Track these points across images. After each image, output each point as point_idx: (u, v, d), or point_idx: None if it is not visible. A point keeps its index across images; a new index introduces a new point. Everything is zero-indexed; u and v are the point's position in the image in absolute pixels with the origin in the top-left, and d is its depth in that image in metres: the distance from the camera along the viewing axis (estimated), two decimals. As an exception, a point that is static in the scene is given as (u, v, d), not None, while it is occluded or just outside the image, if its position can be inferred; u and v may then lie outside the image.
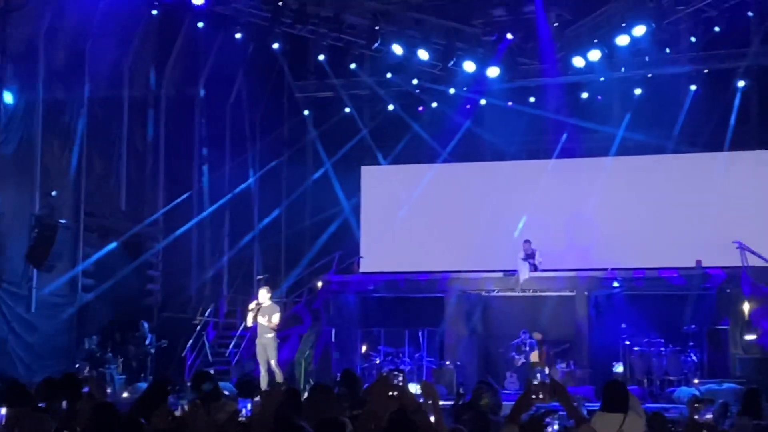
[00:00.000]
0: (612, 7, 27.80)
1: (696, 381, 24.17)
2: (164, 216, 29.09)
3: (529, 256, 27.66)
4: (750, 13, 28.10)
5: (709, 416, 6.17)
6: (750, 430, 11.57)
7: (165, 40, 29.30)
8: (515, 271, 27.63)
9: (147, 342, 25.84)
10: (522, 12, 28.02)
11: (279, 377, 21.68)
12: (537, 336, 26.63)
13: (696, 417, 6.13)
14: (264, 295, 22.02)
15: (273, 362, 21.71)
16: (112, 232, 27.14)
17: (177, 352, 26.82)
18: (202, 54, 30.26)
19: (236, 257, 31.60)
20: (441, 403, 7.59)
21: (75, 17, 25.65)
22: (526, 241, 27.78)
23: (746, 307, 25.34)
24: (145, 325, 26.26)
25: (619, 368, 25.10)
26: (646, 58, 28.75)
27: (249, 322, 22.22)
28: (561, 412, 7.72)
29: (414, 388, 14.62)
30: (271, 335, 21.73)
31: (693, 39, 28.75)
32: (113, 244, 26.86)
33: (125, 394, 21.91)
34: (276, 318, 21.71)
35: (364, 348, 28.28)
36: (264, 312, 21.68)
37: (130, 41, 28.00)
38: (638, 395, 12.03)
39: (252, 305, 22.02)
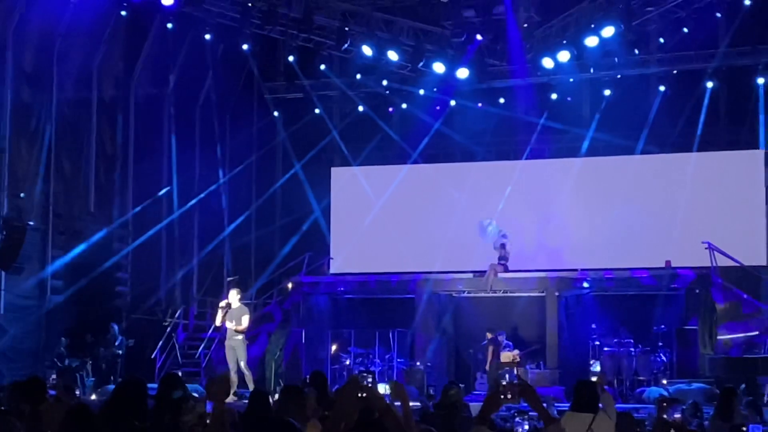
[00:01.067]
0: (581, 9, 27.88)
1: (665, 381, 24.25)
2: (133, 217, 28.96)
3: (502, 257, 27.76)
4: (718, 15, 28.25)
5: (677, 416, 6.18)
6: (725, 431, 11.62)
7: (134, 40, 29.16)
8: (485, 271, 27.70)
9: (117, 343, 25.73)
10: (491, 13, 28.05)
11: (249, 379, 21.57)
12: (488, 335, 26.61)
13: (664, 416, 6.15)
14: (234, 296, 21.89)
15: (243, 363, 21.57)
16: (81, 233, 26.98)
17: (146, 354, 26.71)
18: (171, 55, 30.14)
19: (206, 259, 31.50)
20: (411, 403, 7.57)
21: (43, 18, 25.48)
22: (502, 241, 27.94)
23: (715, 308, 25.41)
24: (115, 327, 26.14)
25: (596, 367, 25.16)
26: (615, 59, 28.88)
27: (218, 321, 22.09)
28: (531, 413, 7.71)
29: (383, 388, 14.62)
30: (240, 337, 21.61)
31: (662, 40, 28.90)
32: (82, 246, 26.70)
33: (93, 396, 21.81)
34: (245, 320, 21.59)
35: (334, 349, 28.24)
36: (232, 315, 21.55)
37: (99, 42, 27.85)
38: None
39: (222, 303, 21.90)
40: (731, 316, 25.28)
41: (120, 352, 25.72)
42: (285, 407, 9.33)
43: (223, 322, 21.71)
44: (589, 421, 9.52)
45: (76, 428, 7.58)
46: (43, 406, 9.87)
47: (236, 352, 21.55)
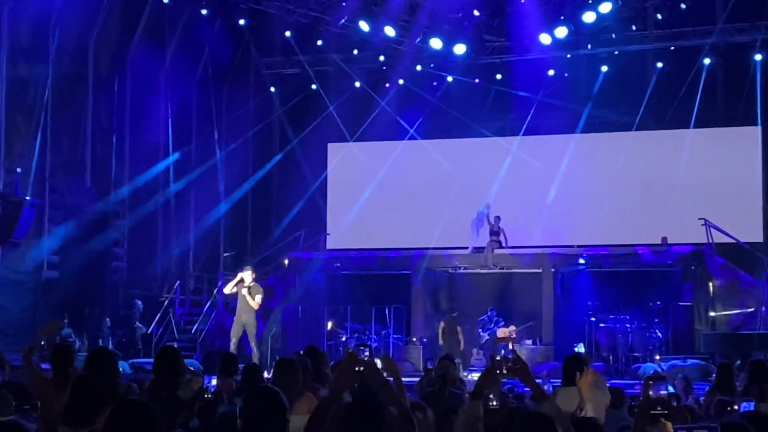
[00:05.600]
0: (578, -16, 27.85)
1: (657, 357, 24.25)
2: (130, 193, 28.90)
3: (495, 233, 27.75)
4: (716, -10, 28.25)
5: (663, 392, 6.18)
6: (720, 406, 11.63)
7: (130, 15, 29.01)
8: (482, 248, 27.72)
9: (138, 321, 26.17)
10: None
11: (256, 357, 21.68)
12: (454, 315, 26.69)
13: (650, 393, 6.14)
14: (248, 275, 22.07)
15: (253, 343, 21.78)
16: (77, 209, 26.95)
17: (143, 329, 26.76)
18: (167, 30, 30.03)
19: (202, 234, 31.48)
20: (407, 379, 7.60)
21: (39, -8, 25.42)
22: (497, 218, 27.91)
23: (711, 284, 25.48)
24: (139, 303, 26.33)
25: (580, 348, 25.12)
26: (613, 36, 28.84)
27: (227, 289, 22.28)
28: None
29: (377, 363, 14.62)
30: (252, 314, 21.80)
31: (659, 16, 28.81)
32: (78, 221, 26.67)
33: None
34: (259, 299, 21.77)
35: (330, 325, 28.25)
36: (252, 292, 21.75)
37: (95, 16, 27.73)
38: (603, 371, 12.08)
39: (238, 277, 22.04)
40: (728, 293, 25.34)
41: (142, 329, 26.10)
42: (279, 380, 9.34)
43: (233, 293, 21.93)
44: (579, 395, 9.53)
45: (83, 399, 7.59)
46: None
47: (248, 329, 21.72)
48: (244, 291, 21.76)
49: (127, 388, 9.70)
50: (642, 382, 19.62)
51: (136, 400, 7.10)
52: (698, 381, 17.80)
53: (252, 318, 21.85)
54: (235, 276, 22.62)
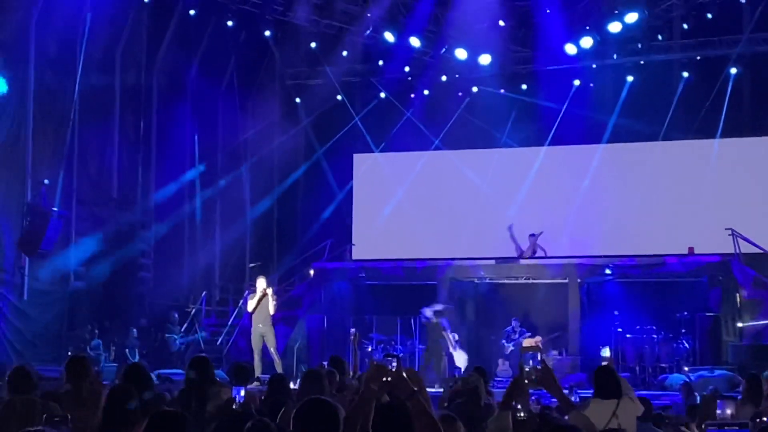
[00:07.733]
0: (605, -6, 27.85)
1: (686, 368, 24.12)
2: (156, 204, 29.02)
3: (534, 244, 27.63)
4: (742, 0, 28.10)
5: (729, 411, 6.10)
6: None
7: (157, 27, 29.16)
8: (507, 259, 27.63)
9: (181, 332, 26.30)
10: (514, -1, 28.07)
11: (278, 365, 21.69)
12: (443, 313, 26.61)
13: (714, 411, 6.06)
14: (261, 283, 22.12)
15: (273, 349, 21.80)
16: (104, 220, 27.06)
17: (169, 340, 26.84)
18: (194, 41, 30.15)
19: (228, 245, 31.56)
20: (431, 390, 7.60)
21: (67, 4, 25.53)
22: (532, 235, 27.72)
23: (739, 294, 25.33)
24: (176, 315, 26.45)
25: (605, 352, 25.00)
26: (639, 45, 28.79)
27: (250, 307, 22.29)
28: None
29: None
30: (268, 324, 21.81)
31: (685, 26, 28.76)
32: (105, 232, 26.78)
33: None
34: (271, 307, 21.81)
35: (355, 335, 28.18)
36: (262, 301, 21.81)
37: (122, 28, 27.89)
38: (630, 382, 12.01)
39: (259, 292, 22.09)
40: (755, 303, 25.18)
41: (182, 340, 26.28)
42: (306, 392, 9.36)
43: (254, 309, 21.96)
44: (613, 407, 9.51)
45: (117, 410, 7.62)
46: (85, 386, 9.91)
47: (266, 338, 21.74)
48: (269, 305, 21.80)
49: (159, 397, 9.72)
50: (668, 392, 19.53)
51: (173, 412, 7.13)
52: (726, 392, 17.72)
53: (269, 327, 21.90)
54: (255, 288, 22.64)
